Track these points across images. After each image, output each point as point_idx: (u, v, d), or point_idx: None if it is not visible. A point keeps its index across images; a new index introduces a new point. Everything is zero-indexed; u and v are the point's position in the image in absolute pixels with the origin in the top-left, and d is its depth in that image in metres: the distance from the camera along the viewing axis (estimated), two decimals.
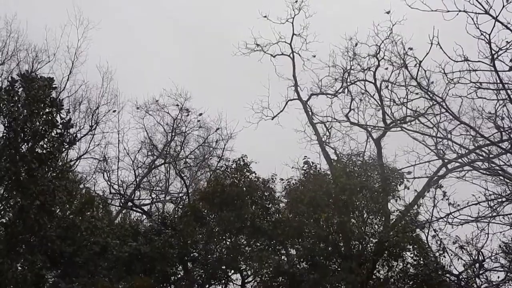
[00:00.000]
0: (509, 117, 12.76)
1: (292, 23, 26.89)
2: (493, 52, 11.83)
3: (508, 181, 13.27)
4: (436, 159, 14.65)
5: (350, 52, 25.31)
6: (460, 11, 11.64)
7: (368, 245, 22.46)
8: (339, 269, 21.95)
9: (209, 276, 23.88)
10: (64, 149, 21.14)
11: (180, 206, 27.59)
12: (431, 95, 14.82)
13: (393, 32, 23.63)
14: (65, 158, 23.43)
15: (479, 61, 12.13)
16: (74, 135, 21.72)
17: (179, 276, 24.80)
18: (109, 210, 28.21)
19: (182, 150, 32.29)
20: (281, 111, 27.02)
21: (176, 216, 25.80)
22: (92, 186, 30.05)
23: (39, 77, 19.96)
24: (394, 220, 22.71)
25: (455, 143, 13.37)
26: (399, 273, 22.05)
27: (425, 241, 21.39)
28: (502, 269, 17.97)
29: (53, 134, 19.31)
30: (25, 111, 18.91)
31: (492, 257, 18.39)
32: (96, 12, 45.19)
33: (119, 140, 31.65)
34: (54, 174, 19.40)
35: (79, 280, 20.40)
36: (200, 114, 31.36)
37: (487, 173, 13.07)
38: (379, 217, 22.84)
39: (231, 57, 27.39)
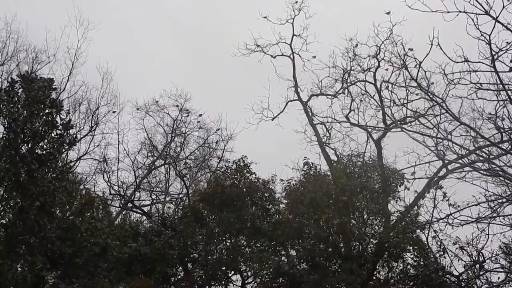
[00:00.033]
0: (510, 118, 12.76)
1: (292, 23, 26.94)
2: (493, 53, 11.82)
3: (508, 182, 13.26)
4: (436, 160, 14.62)
5: (350, 53, 25.36)
6: (460, 11, 11.64)
7: (368, 246, 22.46)
8: (339, 270, 21.95)
9: (209, 277, 23.86)
10: (64, 150, 21.13)
11: (180, 207, 27.57)
12: (431, 96, 14.79)
13: (393, 33, 23.68)
14: (65, 159, 23.43)
15: (479, 62, 12.13)
16: (74, 136, 21.69)
17: (179, 277, 24.80)
18: (109, 211, 28.19)
19: (182, 151, 32.33)
20: (281, 112, 27.06)
21: (176, 217, 25.80)
22: (92, 187, 30.07)
23: (39, 78, 19.95)
24: (394, 221, 22.70)
25: (455, 144, 13.36)
26: (400, 274, 22.07)
27: (425, 242, 21.38)
28: (502, 270, 17.96)
29: (53, 135, 19.31)
30: (25, 112, 18.90)
31: (493, 258, 18.40)
32: (96, 12, 45.27)
33: (119, 141, 31.67)
34: (54, 175, 19.39)
35: (79, 281, 20.40)
36: (200, 115, 31.41)
37: (488, 174, 13.06)
38: (379, 218, 22.85)
39: (231, 57, 27.45)
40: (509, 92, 12.21)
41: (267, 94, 27.10)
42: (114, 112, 31.23)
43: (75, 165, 29.13)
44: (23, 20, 35.15)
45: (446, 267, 21.08)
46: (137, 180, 31.60)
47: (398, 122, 21.28)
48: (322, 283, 21.36)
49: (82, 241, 20.69)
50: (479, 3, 11.45)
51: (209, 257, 24.03)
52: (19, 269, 18.64)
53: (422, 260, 21.80)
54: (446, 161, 16.25)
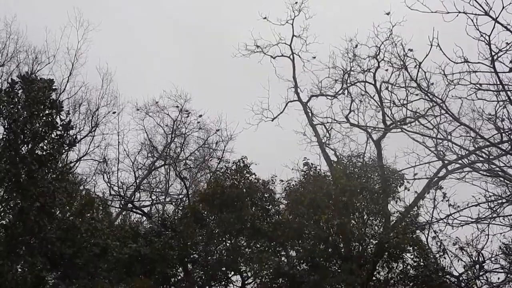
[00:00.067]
0: (509, 118, 12.76)
1: (292, 24, 26.97)
2: (493, 54, 11.83)
3: (508, 182, 13.26)
4: (436, 160, 14.64)
5: (350, 54, 25.39)
6: (460, 12, 11.64)
7: (368, 247, 22.47)
8: (339, 270, 21.94)
9: (209, 277, 23.86)
10: (64, 151, 21.13)
11: (180, 208, 27.58)
12: (431, 97, 14.81)
13: (393, 33, 23.70)
14: (65, 160, 23.43)
15: (479, 63, 12.15)
16: (74, 136, 21.68)
17: (179, 277, 24.80)
18: (109, 212, 28.17)
19: (182, 152, 32.31)
20: (281, 112, 27.09)
21: (176, 217, 25.80)
22: (92, 187, 30.09)
23: (39, 78, 19.94)
24: (394, 221, 22.72)
25: (455, 144, 13.37)
26: (399, 274, 22.08)
27: (425, 243, 21.40)
28: (502, 271, 17.94)
29: (53, 135, 19.30)
30: (25, 112, 18.90)
31: (492, 259, 18.38)
32: (96, 12, 45.24)
33: (119, 142, 31.67)
34: (54, 175, 19.39)
35: (79, 282, 20.38)
36: (200, 116, 31.39)
37: (487, 174, 13.07)
38: (379, 219, 22.86)
39: (231, 57, 27.48)
40: (509, 92, 12.22)
41: (267, 94, 27.19)
42: (114, 112, 31.27)
43: (75, 165, 29.16)
44: (23, 21, 35.37)
45: (446, 268, 21.08)
46: (137, 181, 31.60)
47: (398, 123, 21.34)
48: (322, 283, 21.36)
49: (82, 241, 20.67)
50: (478, 3, 11.47)
51: (209, 258, 24.03)
52: (19, 269, 18.63)
53: (422, 260, 21.81)
54: (446, 162, 16.26)
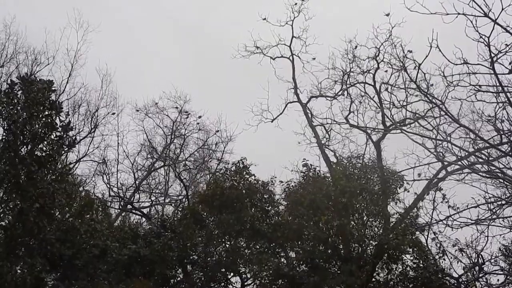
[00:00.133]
0: (509, 120, 12.75)
1: (292, 25, 26.94)
2: (493, 55, 11.81)
3: (508, 183, 13.26)
4: (436, 162, 14.62)
5: (350, 55, 25.36)
6: (459, 13, 11.63)
7: (368, 248, 22.48)
8: (339, 271, 21.93)
9: (209, 279, 23.85)
10: (63, 152, 21.14)
11: (180, 209, 27.58)
12: (430, 98, 14.81)
13: (392, 34, 23.66)
14: (65, 161, 23.40)
15: (478, 64, 12.12)
16: (74, 137, 21.75)
17: (179, 279, 24.77)
18: (109, 213, 28.18)
19: (182, 153, 32.32)
20: (281, 113, 27.06)
21: (175, 218, 25.78)
22: (91, 188, 30.10)
23: (38, 80, 19.98)
24: (393, 222, 22.72)
25: (454, 145, 13.36)
26: (399, 276, 22.07)
27: (425, 244, 21.44)
28: (501, 272, 17.95)
29: (52, 136, 19.32)
30: (25, 113, 18.91)
31: (492, 260, 18.40)
32: (96, 12, 45.21)
33: (118, 143, 31.70)
34: (54, 177, 19.40)
35: (79, 283, 20.39)
36: (200, 117, 31.38)
37: (487, 175, 13.07)
38: (378, 220, 22.86)
39: (231, 59, 27.44)
40: (508, 94, 12.21)
41: (266, 95, 27.18)
42: (113, 113, 31.29)
43: (75, 167, 29.16)
44: (23, 22, 35.34)
45: (445, 269, 21.11)
46: (137, 182, 31.60)
47: (398, 124, 21.33)
48: (322, 285, 21.35)
49: (82, 243, 20.68)
50: (478, 5, 11.45)
51: (209, 259, 24.00)
52: (19, 271, 18.64)
53: (421, 262, 21.81)
54: (446, 163, 16.26)
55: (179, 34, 49.38)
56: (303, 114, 26.30)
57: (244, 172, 24.70)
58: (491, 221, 13.59)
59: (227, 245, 24.36)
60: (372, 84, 24.77)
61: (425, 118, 19.41)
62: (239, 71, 41.03)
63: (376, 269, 22.19)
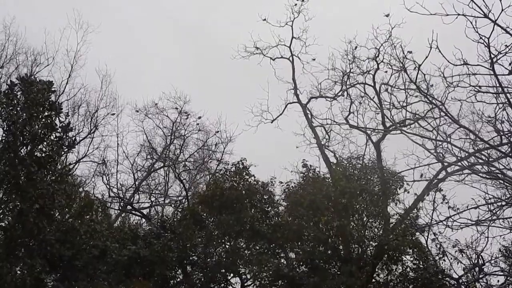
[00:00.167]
0: (509, 120, 12.76)
1: (292, 26, 26.91)
2: (492, 56, 11.81)
3: (508, 184, 13.25)
4: (436, 162, 14.64)
5: (350, 55, 25.30)
6: (459, 14, 11.62)
7: (368, 249, 22.47)
8: (338, 272, 21.92)
9: (209, 279, 23.84)
10: (63, 153, 21.12)
11: (179, 210, 27.57)
12: (430, 99, 14.80)
13: (392, 35, 23.59)
14: (64, 162, 23.35)
15: (478, 65, 12.11)
16: (73, 138, 21.73)
17: (178, 279, 24.76)
18: (108, 214, 28.16)
19: (182, 153, 32.29)
20: (281, 114, 27.02)
21: (175, 219, 25.77)
22: (91, 189, 30.07)
23: (38, 80, 19.99)
24: (393, 223, 22.70)
25: (454, 146, 13.37)
26: (399, 276, 22.07)
27: (425, 245, 21.40)
28: (502, 273, 17.93)
29: (52, 137, 19.33)
30: (24, 114, 18.92)
31: (492, 261, 18.36)
32: (96, 12, 45.21)
33: (118, 143, 31.68)
34: (53, 177, 19.41)
35: (78, 284, 20.37)
36: (199, 117, 31.31)
37: (487, 176, 13.06)
38: (378, 221, 22.85)
39: (231, 59, 27.42)
40: (508, 95, 12.21)
41: (266, 96, 27.14)
42: (113, 114, 31.27)
43: (74, 167, 29.14)
44: (22, 22, 35.31)
45: (445, 270, 21.08)
46: (136, 183, 31.58)
47: (398, 125, 21.30)
48: (322, 285, 21.33)
49: (81, 243, 20.66)
50: (478, 6, 11.44)
51: (208, 260, 24.01)
52: (18, 272, 18.62)
53: (421, 263, 21.80)
54: (446, 164, 16.26)
55: (179, 34, 49.46)
56: (303, 114, 26.29)
57: (244, 173, 24.70)
58: (491, 222, 13.59)
59: (227, 246, 24.35)
60: (372, 84, 24.75)
61: (425, 119, 19.42)
62: (239, 71, 41.08)
63: (376, 270, 22.18)
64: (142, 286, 21.60)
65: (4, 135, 18.80)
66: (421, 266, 21.74)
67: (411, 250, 22.00)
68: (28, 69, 28.69)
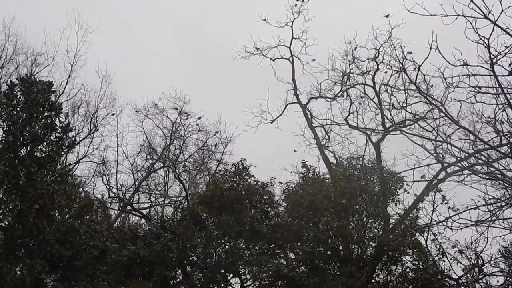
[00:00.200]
0: (509, 121, 12.76)
1: (292, 26, 26.92)
2: (492, 57, 11.81)
3: (507, 185, 13.26)
4: (436, 163, 14.65)
5: (349, 56, 25.31)
6: (459, 15, 11.62)
7: (368, 249, 22.48)
8: (338, 273, 21.93)
9: (208, 280, 23.84)
10: (63, 153, 21.11)
11: (179, 210, 27.56)
12: (430, 99, 14.80)
13: (392, 35, 23.61)
14: (64, 162, 23.35)
15: (478, 66, 12.11)
16: (73, 138, 21.73)
17: (178, 280, 24.77)
18: (108, 214, 28.14)
19: (181, 154, 32.29)
20: (280, 114, 27.02)
21: (175, 219, 25.77)
22: (91, 189, 30.04)
23: (38, 81, 19.98)
24: (393, 224, 22.72)
25: (454, 147, 13.37)
26: (399, 277, 22.08)
27: (425, 245, 21.43)
28: (501, 274, 17.95)
29: (52, 137, 19.32)
30: (24, 115, 18.92)
31: (492, 262, 18.39)
32: (95, 12, 45.22)
33: (118, 144, 31.69)
34: (53, 178, 19.41)
35: (78, 284, 20.35)
36: (199, 118, 31.30)
37: (487, 177, 13.07)
38: (378, 221, 22.86)
39: (231, 60, 27.42)
40: (508, 95, 12.22)
41: (266, 96, 27.14)
42: (113, 114, 31.28)
43: (74, 168, 29.12)
44: (22, 22, 35.35)
45: (445, 271, 21.11)
46: (136, 183, 31.58)
47: (397, 125, 21.29)
48: (321, 286, 21.34)
49: (81, 244, 20.65)
50: (478, 7, 11.44)
51: (208, 260, 24.01)
52: (18, 272, 18.62)
53: (421, 263, 21.81)
54: (445, 164, 16.28)
55: (179, 34, 49.47)
56: (303, 115, 26.30)
57: (244, 173, 24.71)
58: (491, 222, 13.60)
59: (227, 246, 24.36)
60: (372, 85, 24.75)
61: (425, 120, 19.38)
62: (239, 72, 41.15)
63: (376, 270, 22.19)
64: (142, 287, 21.61)
65: (4, 135, 18.81)
66: (420, 266, 21.75)
67: (410, 251, 22.01)
68: (28, 70, 28.74)
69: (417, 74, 16.25)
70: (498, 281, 17.90)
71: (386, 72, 24.28)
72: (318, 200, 22.29)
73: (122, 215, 30.09)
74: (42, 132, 19.09)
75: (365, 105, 25.08)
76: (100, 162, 31.22)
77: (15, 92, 19.15)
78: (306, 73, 26.62)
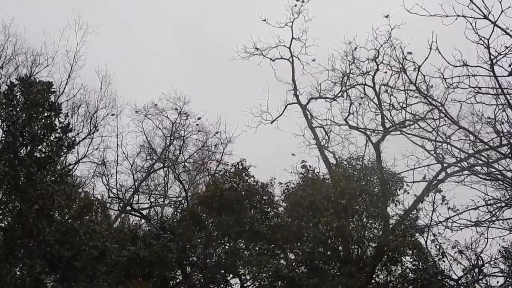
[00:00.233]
0: (508, 122, 12.76)
1: (292, 27, 26.88)
2: (492, 57, 11.81)
3: (507, 185, 13.26)
4: (435, 163, 14.65)
5: (349, 56, 25.28)
6: (458, 16, 11.63)
7: (368, 250, 22.46)
8: (338, 273, 21.92)
9: (208, 280, 23.84)
10: (62, 153, 21.10)
11: (179, 210, 27.55)
12: (430, 100, 14.80)
13: (392, 36, 23.57)
14: (64, 162, 23.35)
15: (478, 66, 12.11)
16: (73, 139, 21.71)
17: (178, 280, 24.76)
18: (108, 214, 28.11)
19: (181, 154, 32.30)
20: (280, 115, 27.00)
21: (175, 220, 25.76)
22: (90, 190, 30.02)
23: (37, 81, 19.97)
24: (393, 224, 22.70)
25: (454, 147, 13.37)
26: (398, 277, 22.06)
27: (424, 246, 21.44)
28: (501, 274, 17.98)
29: (51, 138, 19.30)
30: (24, 115, 18.91)
31: (492, 262, 18.42)
32: (95, 12, 45.21)
33: (117, 144, 31.70)
34: (53, 178, 19.39)
35: (78, 285, 20.35)
36: (199, 118, 31.28)
37: (487, 177, 13.07)
38: (378, 222, 22.84)
39: (230, 60, 27.39)
40: (508, 96, 12.21)
41: (266, 97, 27.10)
42: (113, 114, 31.27)
43: (74, 168, 29.12)
44: (22, 22, 35.32)
45: (445, 271, 21.11)
46: (136, 183, 31.57)
47: (397, 126, 21.29)
48: (321, 286, 21.33)
49: (81, 244, 20.65)
50: (477, 7, 11.45)
51: (208, 261, 24.00)
52: (18, 272, 18.61)
53: (421, 263, 21.81)
54: (445, 165, 16.31)
55: (179, 34, 49.46)
56: (303, 115, 26.28)
57: (244, 174, 24.69)
58: (491, 223, 13.60)
59: (227, 247, 24.35)
60: (372, 85, 24.72)
61: (425, 120, 19.40)
62: (239, 72, 41.13)
63: (376, 270, 22.17)
64: (142, 287, 21.60)
65: (3, 135, 18.79)
66: (420, 267, 21.74)
67: (410, 251, 22.00)
68: (27, 70, 28.73)
69: (417, 74, 16.25)
70: (498, 282, 17.97)
71: (386, 72, 24.28)
72: (318, 201, 22.28)
73: (122, 216, 30.08)
74: (42, 132, 19.08)
75: (365, 105, 25.10)
76: (99, 163, 31.24)
77: (14, 93, 19.14)
78: (306, 74, 26.63)
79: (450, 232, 14.34)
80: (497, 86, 12.15)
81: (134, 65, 45.97)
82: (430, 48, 12.85)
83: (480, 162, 13.38)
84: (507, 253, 19.04)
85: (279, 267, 22.54)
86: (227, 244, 24.38)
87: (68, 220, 21.06)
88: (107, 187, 31.21)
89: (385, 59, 24.10)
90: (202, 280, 23.94)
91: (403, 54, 20.11)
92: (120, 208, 30.68)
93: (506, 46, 11.86)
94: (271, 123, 27.04)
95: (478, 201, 13.44)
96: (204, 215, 24.68)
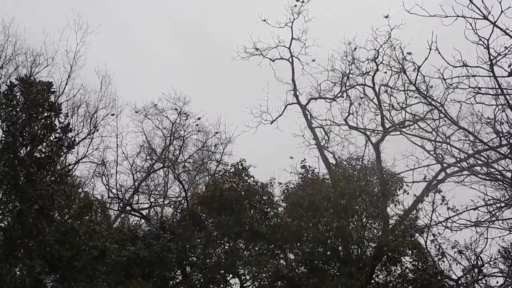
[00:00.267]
0: (508, 122, 12.78)
1: (291, 27, 26.91)
2: (492, 58, 11.84)
3: (507, 186, 13.28)
4: (435, 164, 14.68)
5: (349, 56, 25.32)
6: (458, 16, 11.66)
7: (367, 250, 22.46)
8: (338, 273, 21.92)
9: (208, 280, 23.83)
10: (62, 153, 21.10)
11: (179, 210, 27.56)
12: (430, 100, 14.83)
13: (391, 36, 23.59)
14: (64, 162, 23.35)
15: (477, 67, 12.15)
16: (73, 139, 21.69)
17: (178, 280, 24.76)
18: (108, 214, 28.10)
19: (181, 154, 32.30)
20: (280, 115, 27.03)
21: (174, 220, 25.76)
22: (90, 190, 29.99)
23: (37, 81, 19.95)
24: (393, 224, 22.70)
25: (454, 147, 13.40)
26: (398, 278, 22.06)
27: (424, 246, 21.44)
28: (501, 275, 17.98)
29: (51, 138, 19.29)
30: (24, 115, 18.89)
31: (491, 262, 18.43)
32: (95, 12, 45.24)
33: (117, 144, 31.68)
34: (53, 178, 19.37)
35: (78, 285, 20.34)
36: (199, 118, 31.28)
37: (486, 178, 13.09)
38: (378, 222, 22.84)
39: (230, 60, 27.41)
40: (507, 96, 12.23)
41: (266, 97, 27.14)
42: (112, 114, 31.26)
43: (74, 168, 29.11)
44: (22, 22, 35.33)
45: (444, 271, 21.11)
46: (136, 183, 31.56)
47: (397, 126, 21.30)
48: (321, 286, 21.33)
49: (81, 244, 20.65)
50: (477, 7, 11.48)
51: (208, 261, 24.00)
52: (18, 272, 18.59)
53: (420, 264, 21.81)
54: (445, 165, 16.33)
55: (179, 34, 49.48)
56: (303, 115, 26.29)
57: (243, 174, 24.70)
58: (491, 223, 13.62)
59: (226, 247, 24.35)
60: (372, 86, 24.74)
61: (425, 120, 19.41)
62: (239, 72, 41.16)
63: (375, 271, 22.18)
64: (142, 287, 21.60)
65: (3, 135, 18.78)
66: (420, 267, 21.74)
67: (410, 251, 22.00)
68: (27, 70, 28.71)
69: (417, 75, 16.28)
70: (497, 282, 17.97)
71: (385, 72, 24.29)
72: (318, 201, 22.29)
73: (122, 216, 30.08)
74: (42, 132, 19.07)
75: (364, 105, 25.12)
76: (99, 163, 31.23)
77: (14, 93, 19.12)
78: (305, 74, 26.65)
79: (449, 232, 14.39)
80: (497, 87, 12.18)
81: (134, 65, 46.06)
82: (430, 49, 12.88)
83: (479, 162, 13.41)
84: (507, 253, 19.05)
85: (278, 267, 22.54)
86: (227, 244, 24.38)
87: (68, 220, 21.06)
88: (107, 187, 31.23)
89: (384, 60, 24.16)
90: (202, 280, 23.94)
91: (402, 54, 20.17)
92: (120, 208, 30.67)
93: (505, 47, 11.92)
94: (271, 123, 27.10)
95: (478, 201, 13.50)
96: (204, 215, 24.69)
